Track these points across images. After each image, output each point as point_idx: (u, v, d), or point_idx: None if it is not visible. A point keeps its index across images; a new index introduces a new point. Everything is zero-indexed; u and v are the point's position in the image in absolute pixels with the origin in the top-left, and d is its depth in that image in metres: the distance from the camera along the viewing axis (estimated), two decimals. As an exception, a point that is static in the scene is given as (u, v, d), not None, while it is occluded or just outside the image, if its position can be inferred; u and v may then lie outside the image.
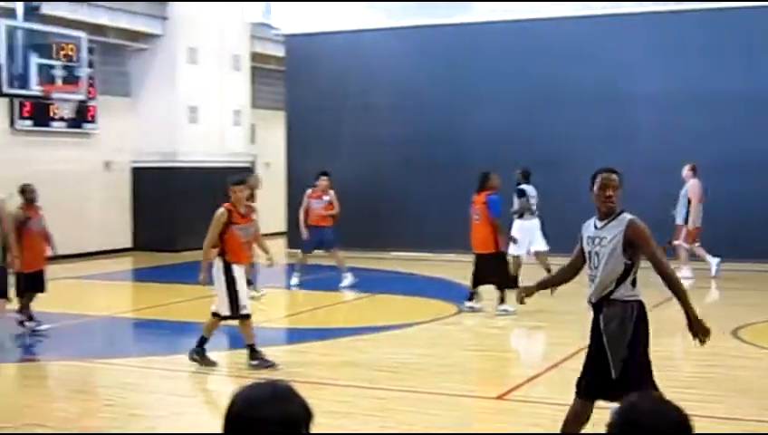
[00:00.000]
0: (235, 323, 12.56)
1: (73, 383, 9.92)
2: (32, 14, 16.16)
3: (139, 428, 8.14)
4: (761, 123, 19.34)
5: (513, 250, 15.10)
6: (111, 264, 21.20)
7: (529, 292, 7.09)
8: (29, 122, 20.85)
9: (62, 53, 16.28)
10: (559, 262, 18.31)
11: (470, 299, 13.82)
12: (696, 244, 17.68)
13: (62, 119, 21.13)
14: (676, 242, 17.52)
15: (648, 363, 6.61)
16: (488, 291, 13.88)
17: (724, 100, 19.39)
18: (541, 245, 15.95)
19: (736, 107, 19.37)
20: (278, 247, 21.89)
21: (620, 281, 6.50)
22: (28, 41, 15.63)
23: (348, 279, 16.90)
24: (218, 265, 10.17)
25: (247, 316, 10.25)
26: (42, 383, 10.02)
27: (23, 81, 15.57)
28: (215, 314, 10.29)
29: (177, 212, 22.55)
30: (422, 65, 22.22)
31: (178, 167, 23.23)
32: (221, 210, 10.19)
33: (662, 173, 18.74)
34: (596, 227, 6.66)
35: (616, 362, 6.47)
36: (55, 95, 16.48)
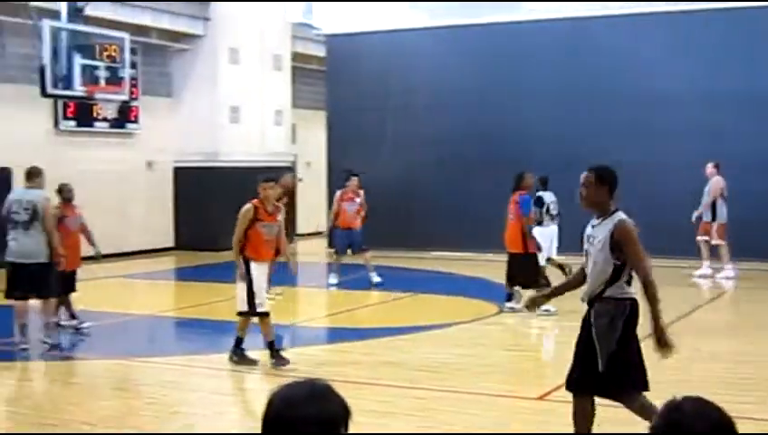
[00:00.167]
0: (274, 321, 12.61)
1: (116, 381, 10.01)
2: (76, 15, 16.29)
3: (179, 426, 8.19)
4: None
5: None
6: (153, 263, 21.35)
7: (538, 302, 7.06)
8: (73, 123, 21.05)
9: (106, 53, 16.40)
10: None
11: (509, 299, 13.78)
12: (707, 238, 17.65)
13: (105, 119, 21.32)
14: (714, 242, 17.45)
15: (638, 363, 6.61)
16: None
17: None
18: (553, 252, 15.76)
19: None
20: (318, 247, 21.96)
21: (612, 281, 6.52)
22: (72, 42, 15.75)
23: (376, 278, 16.95)
24: (240, 259, 10.21)
25: (265, 314, 10.22)
26: (86, 381, 10.11)
27: (67, 82, 15.69)
28: (240, 313, 10.30)
29: (219, 212, 22.61)
30: (462, 65, 22.16)
31: (220, 166, 23.34)
32: (248, 206, 10.23)
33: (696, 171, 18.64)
34: (592, 226, 6.67)
35: (603, 355, 6.50)
36: (98, 96, 16.60)
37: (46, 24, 15.47)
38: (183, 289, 18.63)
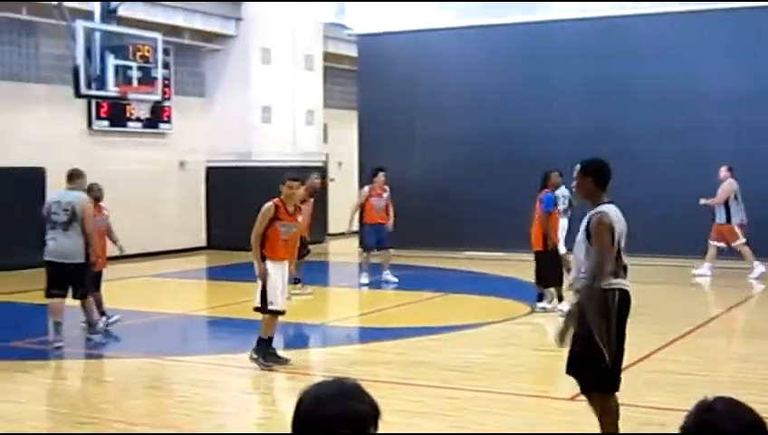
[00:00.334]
0: (305, 321, 12.64)
1: (149, 380, 10.06)
2: (109, 16, 16.39)
3: (211, 425, 8.22)
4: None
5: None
6: (186, 262, 21.45)
7: (565, 336, 6.78)
8: (106, 123, 21.19)
9: (139, 54, 16.47)
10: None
11: (540, 299, 13.74)
12: (717, 241, 17.58)
13: (138, 119, 21.44)
14: (733, 244, 17.40)
15: (617, 352, 6.65)
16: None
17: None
18: (561, 247, 15.70)
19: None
20: (350, 247, 21.97)
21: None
22: (105, 43, 15.84)
23: (391, 277, 16.99)
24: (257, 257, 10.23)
25: (276, 313, 10.18)
26: (119, 380, 10.16)
27: (100, 82, 15.78)
28: (255, 308, 10.31)
29: (251, 211, 22.62)
30: (491, 65, 22.14)
31: (252, 166, 23.40)
32: (269, 204, 10.20)
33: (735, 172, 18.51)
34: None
35: (606, 348, 6.52)
36: (131, 96, 16.68)
37: (80, 25, 15.57)
38: (215, 288, 18.69)
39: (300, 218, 10.73)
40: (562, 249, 14.89)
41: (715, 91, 19.80)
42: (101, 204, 12.74)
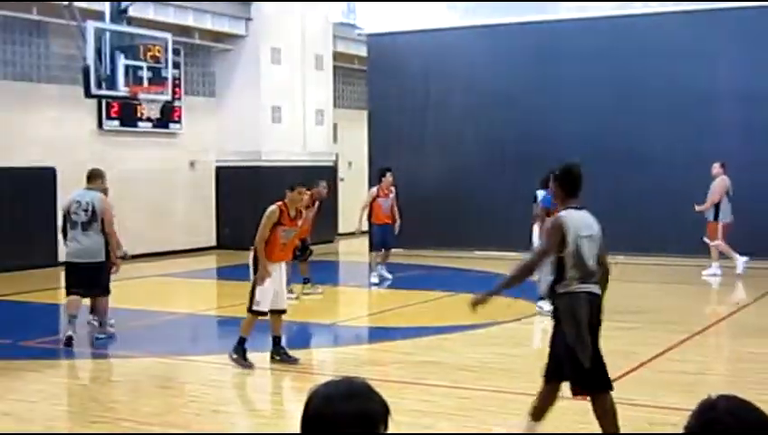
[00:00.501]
0: (316, 320, 12.66)
1: (159, 379, 10.06)
2: (119, 16, 16.41)
3: (221, 424, 8.21)
4: None
5: None
6: (195, 262, 21.46)
7: (479, 301, 7.06)
8: (116, 123, 21.22)
9: (149, 54, 16.49)
10: (641, 261, 18.06)
11: (541, 299, 13.68)
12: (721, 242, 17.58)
13: (148, 119, 21.46)
14: (711, 243, 17.41)
15: (594, 353, 6.75)
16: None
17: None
18: None
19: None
20: (360, 246, 21.95)
21: (558, 274, 6.70)
22: (115, 43, 15.87)
23: (387, 274, 17.14)
24: (250, 255, 10.34)
25: (259, 313, 10.21)
26: (129, 379, 10.17)
27: (110, 82, 15.81)
28: (269, 312, 10.35)
29: (261, 211, 22.70)
30: (504, 63, 22.10)
31: (262, 166, 23.42)
32: (273, 208, 10.27)
33: (744, 171, 18.46)
34: None
35: (583, 354, 6.62)
36: (142, 96, 16.70)
37: (90, 25, 15.60)
38: (224, 288, 18.69)
39: (299, 223, 10.78)
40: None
41: (727, 90, 19.74)
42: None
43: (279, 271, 10.39)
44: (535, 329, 12.86)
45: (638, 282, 17.37)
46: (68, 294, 11.78)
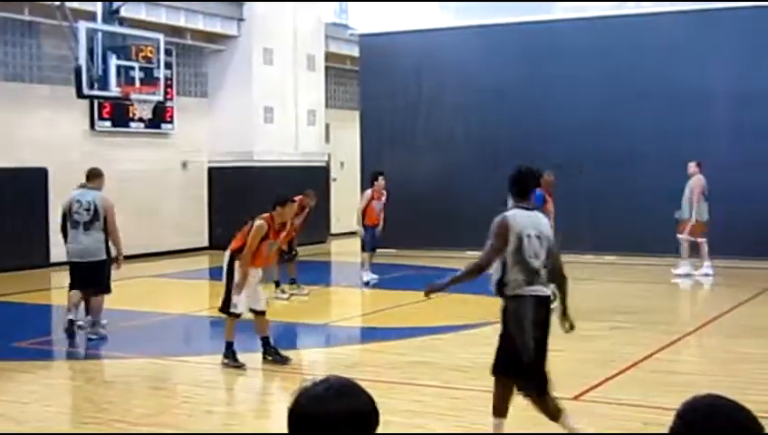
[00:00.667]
0: (308, 321, 12.68)
1: (152, 380, 10.06)
2: (111, 16, 16.39)
3: (214, 425, 8.22)
4: None
5: None
6: (188, 263, 21.45)
7: (434, 288, 7.47)
8: (108, 123, 21.19)
9: (141, 54, 16.49)
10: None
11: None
12: (703, 240, 17.55)
13: (140, 120, 21.43)
14: (679, 236, 17.45)
15: (538, 356, 6.91)
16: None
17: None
18: None
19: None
20: (354, 247, 21.96)
21: (502, 274, 6.94)
22: (107, 43, 15.86)
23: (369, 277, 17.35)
24: (226, 256, 10.42)
25: (237, 316, 10.30)
26: (122, 380, 10.17)
27: (102, 82, 15.80)
28: (254, 312, 10.44)
29: (253, 211, 22.57)
30: (496, 63, 22.13)
31: (254, 166, 23.43)
32: (262, 224, 10.30)
33: (736, 171, 18.52)
34: None
35: (525, 349, 6.87)
36: (134, 96, 16.69)
37: (82, 26, 15.59)
38: (217, 289, 18.48)
39: (282, 235, 10.93)
40: None
41: (720, 90, 19.79)
42: None
43: (255, 274, 10.47)
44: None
45: (631, 282, 17.43)
46: (70, 290, 11.98)
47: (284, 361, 10.31)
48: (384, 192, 17.51)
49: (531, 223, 6.91)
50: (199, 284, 19.20)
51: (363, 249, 17.61)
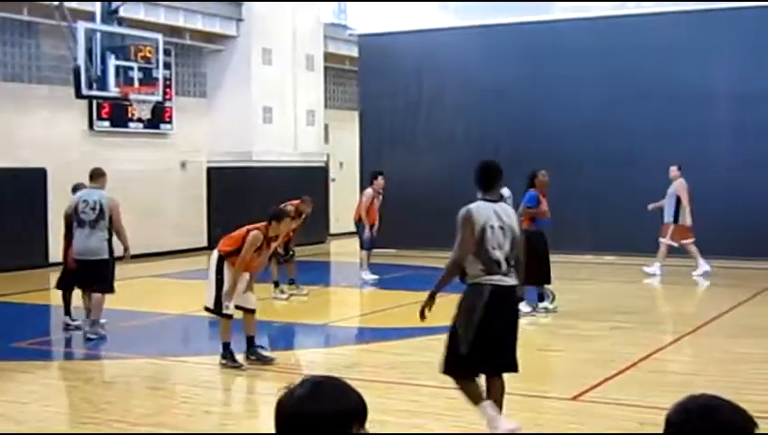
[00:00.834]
0: (307, 321, 12.69)
1: (150, 380, 10.06)
2: (109, 16, 16.40)
3: (212, 425, 8.22)
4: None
5: None
6: (187, 263, 21.43)
7: (427, 305, 7.31)
8: (107, 123, 21.19)
9: (140, 54, 16.50)
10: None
11: (541, 300, 13.72)
12: (690, 240, 17.57)
13: (139, 120, 21.45)
14: (662, 240, 17.47)
15: (484, 345, 6.97)
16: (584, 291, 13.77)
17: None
18: None
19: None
20: (353, 246, 21.96)
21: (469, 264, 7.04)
22: (106, 43, 15.87)
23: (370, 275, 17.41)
24: (214, 257, 10.42)
25: (228, 316, 10.30)
26: (121, 380, 10.17)
27: (101, 83, 15.81)
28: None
29: (252, 212, 22.65)
30: (496, 63, 22.11)
31: (253, 167, 23.43)
32: (258, 235, 10.24)
33: (736, 171, 18.52)
34: None
35: (464, 339, 6.99)
36: (133, 97, 16.70)
37: (81, 26, 15.60)
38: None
39: (274, 245, 10.91)
40: None
41: (721, 91, 19.77)
42: None
43: (243, 279, 10.49)
44: (527, 329, 12.86)
45: (631, 282, 17.42)
46: (62, 288, 12.31)
47: (269, 360, 10.33)
48: (381, 192, 17.57)
49: (494, 214, 7.08)
50: (198, 284, 19.11)
51: (362, 248, 17.62)
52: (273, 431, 2.46)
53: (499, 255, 6.97)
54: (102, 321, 12.21)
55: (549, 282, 13.43)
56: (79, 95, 15.97)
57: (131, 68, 16.31)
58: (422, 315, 7.19)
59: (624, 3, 21.65)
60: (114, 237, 12.24)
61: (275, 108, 24.24)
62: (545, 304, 13.64)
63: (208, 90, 24.16)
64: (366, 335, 13.31)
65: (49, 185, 19.10)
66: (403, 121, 23.25)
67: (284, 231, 11.02)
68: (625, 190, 19.93)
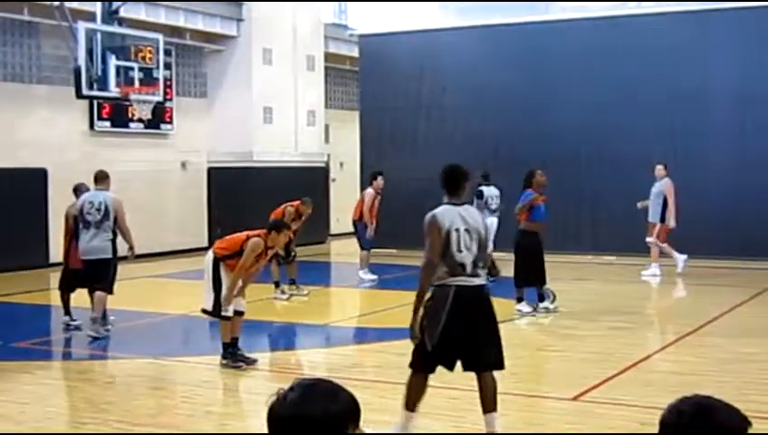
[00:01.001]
0: (307, 321, 12.70)
1: (151, 380, 10.06)
2: (110, 17, 16.40)
3: (213, 425, 8.23)
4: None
5: None
6: (187, 263, 21.40)
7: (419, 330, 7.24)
8: (108, 123, 21.20)
9: (140, 55, 16.49)
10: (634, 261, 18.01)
11: (542, 300, 13.72)
12: (665, 244, 17.69)
13: (139, 120, 21.46)
14: (648, 239, 17.48)
15: (448, 344, 7.05)
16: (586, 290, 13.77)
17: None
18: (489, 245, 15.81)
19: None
20: (353, 247, 21.97)
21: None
22: (107, 43, 15.87)
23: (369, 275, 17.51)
24: (210, 259, 10.51)
25: (226, 318, 10.32)
26: (122, 380, 10.17)
27: (102, 83, 15.81)
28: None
29: (252, 212, 22.69)
30: (494, 64, 22.12)
31: (253, 167, 23.44)
32: (259, 242, 10.24)
33: (736, 171, 18.53)
34: None
35: (429, 338, 7.05)
36: (133, 97, 16.70)
37: (81, 26, 15.60)
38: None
39: (271, 253, 10.94)
40: (490, 247, 15.04)
41: (723, 91, 19.77)
42: None
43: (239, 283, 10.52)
44: (527, 329, 12.89)
45: (631, 282, 17.42)
46: (64, 289, 12.48)
47: (251, 362, 10.35)
48: (380, 192, 17.62)
49: (459, 217, 7.18)
50: (198, 284, 19.15)
51: (362, 247, 17.63)
52: (242, 432, 2.43)
53: (465, 257, 7.07)
54: (111, 318, 12.34)
55: (544, 283, 13.44)
56: (79, 95, 15.97)
57: (132, 68, 16.30)
58: (414, 337, 7.21)
59: (624, 3, 21.65)
60: (119, 238, 12.29)
61: (276, 108, 24.25)
62: (545, 304, 13.64)
63: (209, 90, 24.16)
64: (366, 335, 13.31)
65: (49, 185, 19.11)
66: (403, 121, 23.25)
67: (282, 243, 11.02)
68: (625, 190, 19.90)
